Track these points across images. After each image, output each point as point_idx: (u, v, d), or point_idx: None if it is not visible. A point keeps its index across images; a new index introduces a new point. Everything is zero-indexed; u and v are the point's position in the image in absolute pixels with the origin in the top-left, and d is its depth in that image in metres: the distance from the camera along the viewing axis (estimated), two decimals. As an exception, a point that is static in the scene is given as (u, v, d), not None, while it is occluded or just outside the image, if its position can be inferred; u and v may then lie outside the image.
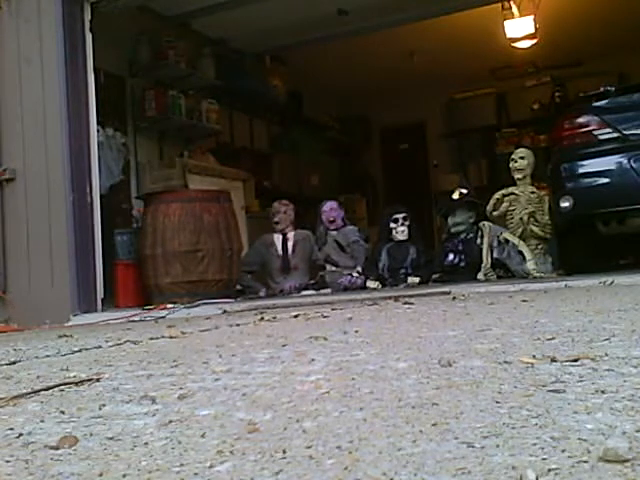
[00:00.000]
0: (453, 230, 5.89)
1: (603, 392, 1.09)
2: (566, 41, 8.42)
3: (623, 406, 0.99)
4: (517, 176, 5.63)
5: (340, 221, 6.47)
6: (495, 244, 5.47)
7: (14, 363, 2.16)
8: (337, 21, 7.45)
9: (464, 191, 6.05)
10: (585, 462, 0.76)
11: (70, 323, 4.84)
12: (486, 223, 5.61)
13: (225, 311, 4.52)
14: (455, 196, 6.03)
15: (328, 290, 5.92)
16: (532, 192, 5.53)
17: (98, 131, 5.62)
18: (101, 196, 5.50)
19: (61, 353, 2.38)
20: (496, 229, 5.55)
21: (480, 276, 5.43)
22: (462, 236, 5.82)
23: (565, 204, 4.95)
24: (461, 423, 0.95)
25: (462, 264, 5.76)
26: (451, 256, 5.83)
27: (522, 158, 5.64)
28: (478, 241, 5.58)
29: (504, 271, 5.45)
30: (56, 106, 5.23)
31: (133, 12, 6.42)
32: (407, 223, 6.05)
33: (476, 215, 5.88)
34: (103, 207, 5.47)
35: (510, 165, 5.70)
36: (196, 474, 0.82)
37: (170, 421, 1.12)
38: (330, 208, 6.46)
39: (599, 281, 4.05)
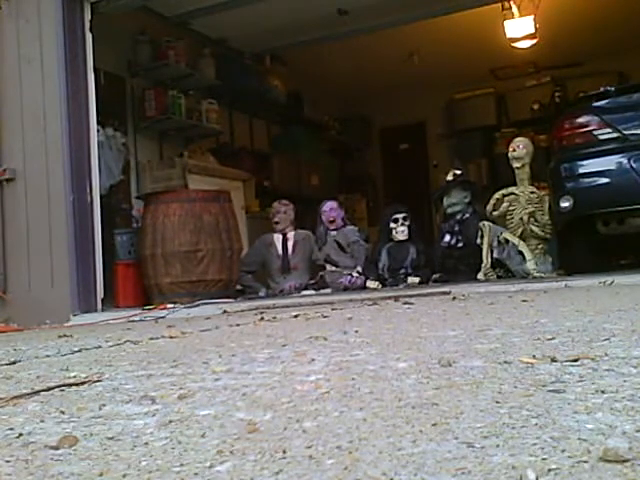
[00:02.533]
0: (449, 211, 5.93)
1: (603, 392, 1.09)
2: (566, 41, 8.42)
3: (623, 406, 0.99)
4: (515, 165, 5.61)
5: (340, 221, 6.47)
6: (495, 244, 5.47)
7: (14, 363, 2.16)
8: (337, 21, 7.45)
9: (458, 172, 6.09)
10: (585, 462, 0.76)
11: (70, 323, 4.84)
12: (486, 223, 5.61)
13: (225, 311, 4.52)
14: (449, 177, 6.06)
15: (328, 290, 5.92)
16: (532, 192, 5.53)
17: (98, 131, 5.62)
18: (101, 196, 5.50)
19: (61, 353, 2.38)
20: (496, 229, 5.55)
21: (480, 276, 5.43)
22: (458, 217, 5.86)
23: (565, 204, 4.95)
24: (461, 423, 0.95)
25: (459, 245, 5.78)
26: (447, 237, 5.86)
27: (520, 147, 5.64)
28: (478, 241, 5.58)
29: (504, 271, 5.45)
30: (56, 106, 5.23)
31: (133, 12, 6.42)
32: (407, 223, 6.06)
33: (471, 195, 5.93)
34: (103, 207, 5.47)
35: (509, 154, 5.70)
36: (196, 474, 0.82)
37: (170, 421, 1.12)
38: (330, 208, 6.47)
39: (599, 281, 4.05)
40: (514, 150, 5.63)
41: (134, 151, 6.80)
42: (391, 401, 1.13)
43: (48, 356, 2.33)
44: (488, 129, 10.17)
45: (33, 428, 1.14)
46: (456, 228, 5.85)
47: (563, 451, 0.80)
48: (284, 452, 0.88)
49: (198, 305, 4.91)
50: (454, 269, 5.75)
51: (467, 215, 5.87)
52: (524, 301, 3.12)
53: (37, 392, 1.49)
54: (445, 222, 5.98)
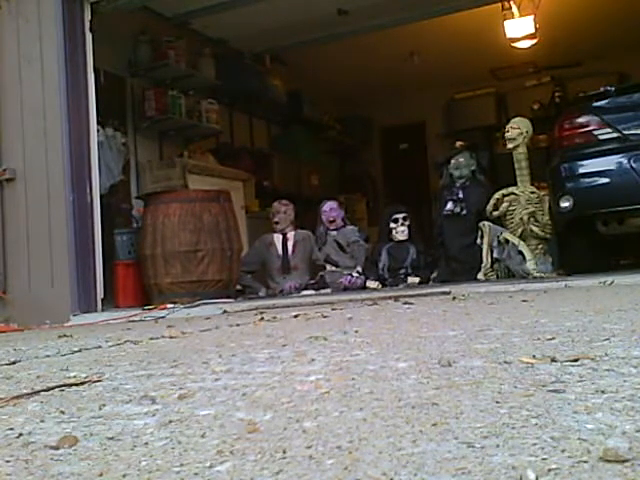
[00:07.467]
0: (456, 173, 5.94)
1: (603, 392, 1.09)
2: (566, 41, 8.42)
3: (623, 406, 0.99)
4: (509, 145, 5.63)
5: (340, 221, 6.47)
6: (495, 244, 5.47)
7: (14, 363, 2.16)
8: (337, 21, 7.45)
9: (464, 143, 6.20)
10: (585, 462, 0.76)
11: (70, 323, 4.84)
12: (486, 223, 5.61)
13: (225, 311, 4.52)
14: (457, 145, 6.14)
15: (328, 290, 5.92)
16: (532, 192, 5.53)
17: (98, 131, 5.62)
18: (101, 196, 5.50)
19: (61, 353, 2.38)
20: (496, 229, 5.54)
21: (480, 276, 5.43)
22: (462, 181, 5.89)
23: (565, 204, 4.95)
24: (461, 423, 0.95)
25: (463, 212, 5.79)
26: (450, 204, 5.86)
27: (514, 128, 5.66)
28: (478, 241, 5.58)
29: (504, 271, 5.45)
30: (56, 106, 5.23)
31: (133, 12, 6.41)
32: (407, 223, 6.06)
33: (477, 165, 5.96)
34: (103, 207, 5.47)
35: (505, 135, 5.73)
36: (196, 474, 0.82)
37: (170, 421, 1.12)
38: (330, 208, 6.47)
39: (599, 281, 4.05)
40: (508, 131, 5.66)
41: (134, 151, 6.80)
42: (391, 401, 1.13)
43: (48, 356, 2.33)
44: (488, 129, 10.16)
45: (33, 428, 1.14)
46: (459, 195, 5.86)
47: (563, 451, 0.80)
48: (284, 452, 0.88)
49: (198, 305, 4.91)
50: (454, 239, 5.74)
51: (470, 182, 5.92)
52: (524, 301, 3.12)
53: (37, 392, 1.49)
54: (447, 189, 5.99)
